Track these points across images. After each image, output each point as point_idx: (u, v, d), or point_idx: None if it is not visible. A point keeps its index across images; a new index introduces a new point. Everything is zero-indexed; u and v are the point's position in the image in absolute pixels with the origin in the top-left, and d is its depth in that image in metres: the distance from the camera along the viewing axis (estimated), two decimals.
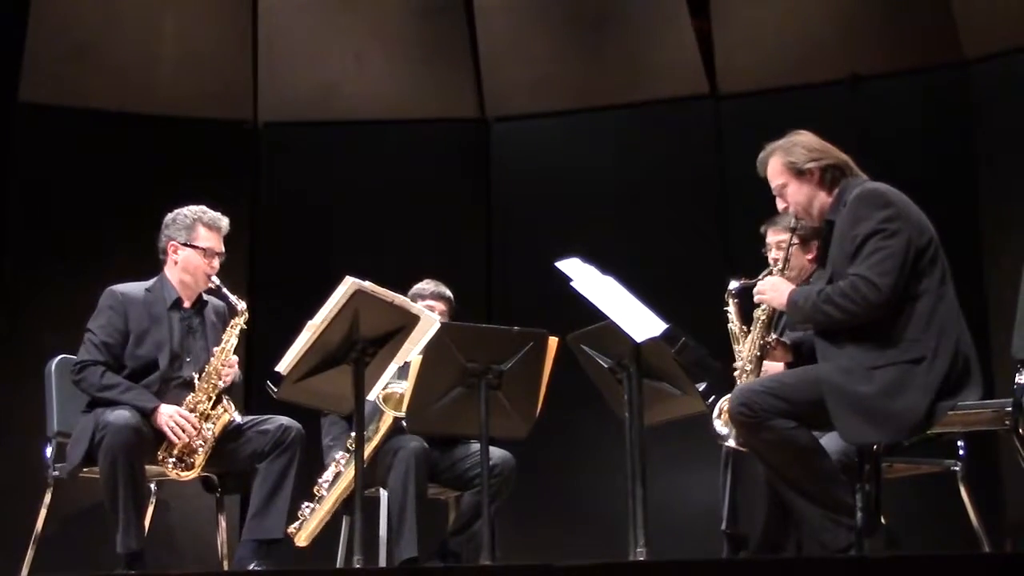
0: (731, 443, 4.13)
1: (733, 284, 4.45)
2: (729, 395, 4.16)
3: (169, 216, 4.62)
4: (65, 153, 6.27)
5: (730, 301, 4.46)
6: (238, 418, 4.46)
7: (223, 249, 4.61)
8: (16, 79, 6.21)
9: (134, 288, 4.55)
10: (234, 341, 4.53)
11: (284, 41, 6.63)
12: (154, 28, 6.46)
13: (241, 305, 4.53)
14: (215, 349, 4.51)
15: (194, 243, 4.56)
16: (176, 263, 4.58)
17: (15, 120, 6.22)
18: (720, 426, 4.32)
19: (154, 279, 4.60)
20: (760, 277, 4.14)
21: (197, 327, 4.59)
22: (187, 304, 4.60)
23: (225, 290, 4.55)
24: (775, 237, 4.53)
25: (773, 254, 4.51)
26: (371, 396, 4.18)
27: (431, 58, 6.73)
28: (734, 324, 4.44)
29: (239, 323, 4.53)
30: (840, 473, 3.75)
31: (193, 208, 4.61)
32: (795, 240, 4.34)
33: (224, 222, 4.62)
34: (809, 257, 4.48)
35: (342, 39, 6.67)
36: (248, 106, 6.63)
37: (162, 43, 6.47)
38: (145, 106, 6.41)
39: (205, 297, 4.67)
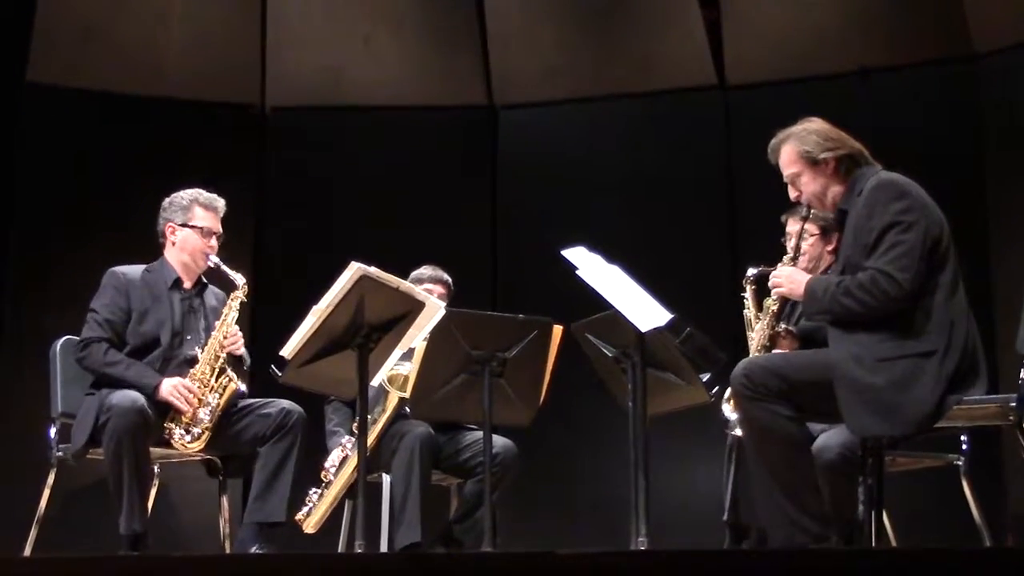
0: (739, 432, 4.12)
1: (751, 271, 4.45)
2: None
3: (166, 200, 4.68)
4: (71, 134, 6.26)
5: (747, 287, 4.45)
6: (243, 387, 4.49)
7: (220, 229, 4.66)
8: (24, 59, 6.19)
9: (134, 269, 4.61)
10: (234, 315, 4.55)
11: (292, 25, 6.62)
12: (162, 10, 6.44)
13: (240, 280, 4.56)
14: (216, 323, 4.55)
15: (191, 223, 4.61)
16: (175, 244, 4.63)
17: (22, 100, 6.21)
18: (729, 411, 4.32)
19: (154, 262, 4.65)
20: (785, 259, 4.10)
21: (198, 307, 4.64)
22: (187, 285, 4.64)
23: (224, 267, 4.59)
24: (795, 226, 4.49)
25: (792, 243, 4.47)
26: (374, 382, 4.19)
27: (440, 44, 6.71)
28: (750, 311, 4.43)
29: (239, 296, 4.57)
30: (816, 479, 3.73)
31: (189, 190, 4.67)
32: (807, 229, 4.33)
33: (220, 203, 4.67)
34: (829, 248, 4.45)
35: (350, 23, 6.65)
36: (255, 90, 6.62)
37: (170, 25, 6.45)
38: (152, 88, 6.40)
39: (205, 280, 4.70)
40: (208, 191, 4.71)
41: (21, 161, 6.20)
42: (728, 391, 4.22)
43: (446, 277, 4.97)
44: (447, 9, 6.70)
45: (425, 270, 4.95)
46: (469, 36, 6.68)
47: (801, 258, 4.38)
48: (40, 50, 6.21)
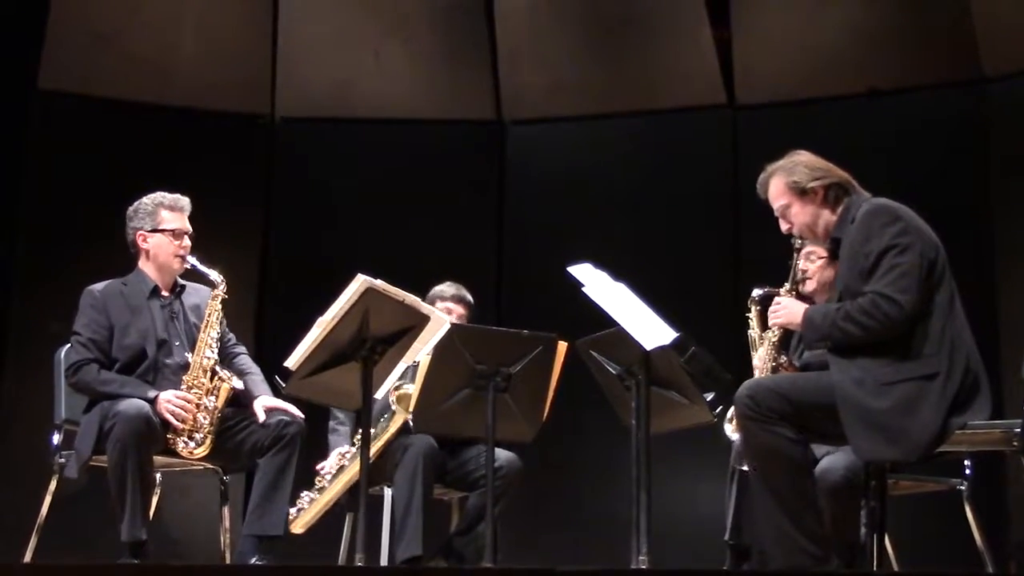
0: (745, 468, 4.11)
1: (756, 292, 4.45)
2: None
3: (130, 209, 4.63)
4: (82, 141, 6.28)
5: (752, 308, 4.45)
6: (240, 385, 4.47)
7: (190, 228, 4.62)
8: (36, 66, 6.22)
9: (110, 284, 4.57)
10: (218, 314, 4.53)
11: (303, 36, 6.64)
12: (175, 19, 6.47)
13: (219, 278, 4.54)
14: (201, 325, 4.54)
15: (160, 227, 4.58)
16: (148, 252, 4.60)
17: (33, 107, 6.24)
18: (731, 432, 4.32)
19: (129, 275, 4.62)
20: (784, 287, 4.14)
21: (178, 311, 4.60)
22: (165, 292, 4.62)
23: (201, 266, 4.55)
24: (805, 248, 4.49)
25: (801, 264, 4.41)
26: (378, 395, 4.19)
27: (449, 58, 6.73)
28: (754, 331, 4.43)
29: (219, 295, 4.54)
30: (818, 501, 3.72)
31: (151, 196, 4.63)
32: (815, 251, 4.35)
33: (185, 201, 4.64)
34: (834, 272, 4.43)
35: (361, 36, 6.68)
36: (266, 100, 6.64)
37: (182, 34, 6.48)
38: (163, 97, 6.42)
39: (182, 282, 4.68)
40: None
41: (31, 167, 6.22)
42: (731, 412, 4.23)
43: (468, 297, 4.92)
44: (457, 24, 6.72)
45: (447, 288, 4.90)
46: (479, 51, 6.70)
47: (809, 282, 4.39)
48: (52, 57, 6.24)
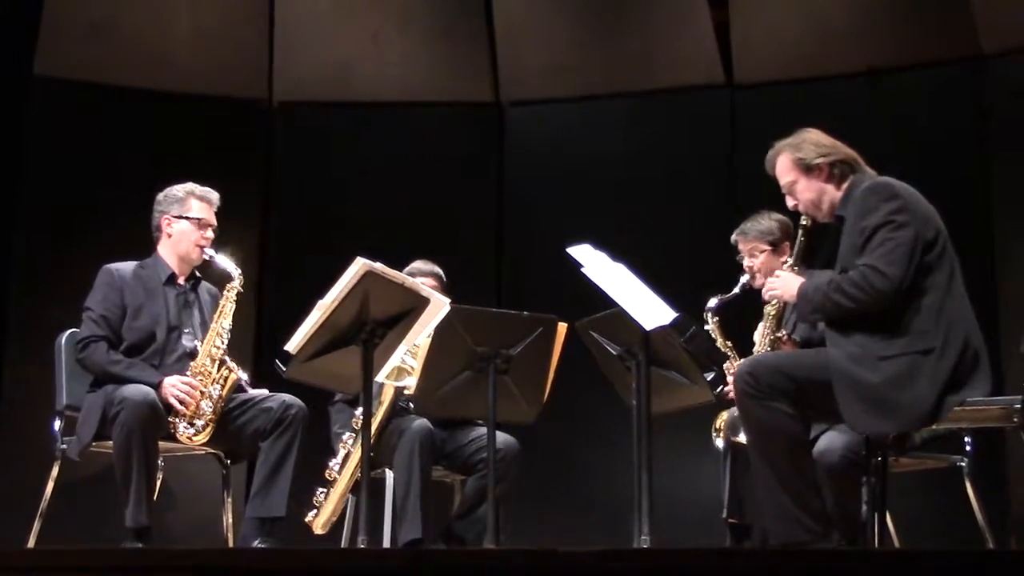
0: (740, 439, 4.14)
1: (712, 302, 4.54)
2: (727, 411, 4.24)
3: (160, 194, 4.68)
4: (79, 128, 6.27)
5: (709, 319, 4.53)
6: (245, 376, 4.50)
7: (215, 222, 4.66)
8: (32, 53, 6.21)
9: (128, 265, 4.61)
10: (231, 306, 4.56)
11: (300, 20, 6.62)
12: (171, 4, 6.45)
13: (236, 271, 4.57)
14: (214, 315, 4.56)
15: (187, 215, 4.61)
16: (170, 236, 4.63)
17: (30, 94, 6.22)
18: (719, 442, 4.39)
19: (147, 259, 4.65)
20: (736, 289, 4.35)
21: (192, 301, 4.64)
22: (181, 280, 4.64)
23: (219, 259, 4.59)
24: (747, 245, 4.62)
25: (747, 261, 4.60)
26: (379, 378, 4.19)
27: (447, 40, 6.71)
28: (718, 341, 4.50)
29: (235, 287, 4.56)
30: (816, 477, 3.73)
31: (184, 184, 4.68)
32: (756, 245, 4.54)
33: (215, 196, 4.68)
34: (782, 260, 4.43)
35: (359, 19, 6.66)
36: (263, 85, 6.63)
37: (178, 19, 6.46)
38: (160, 82, 6.40)
39: (199, 274, 4.71)
40: (213, 185, 4.71)
41: (29, 154, 6.21)
42: (718, 422, 4.30)
43: (438, 270, 4.97)
44: (455, 5, 6.70)
45: (419, 264, 4.95)
46: (477, 32, 6.68)
47: (757, 277, 4.47)
48: (48, 43, 6.22)
